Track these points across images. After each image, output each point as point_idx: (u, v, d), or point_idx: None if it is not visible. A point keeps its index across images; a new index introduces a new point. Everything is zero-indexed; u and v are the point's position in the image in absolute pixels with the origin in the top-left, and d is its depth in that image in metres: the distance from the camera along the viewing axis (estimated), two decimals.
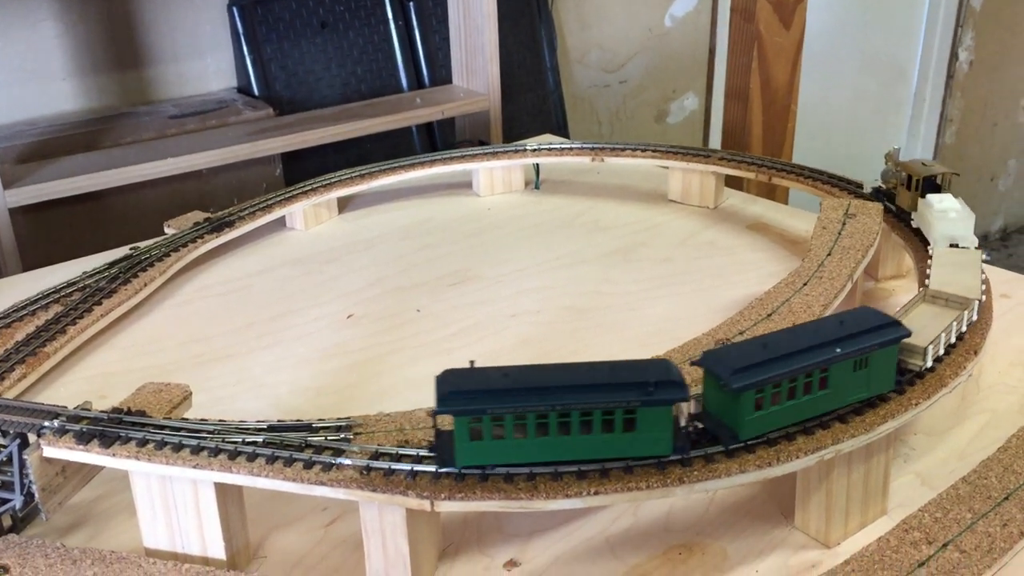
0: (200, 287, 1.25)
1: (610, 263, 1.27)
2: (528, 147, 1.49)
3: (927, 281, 0.87)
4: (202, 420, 0.75)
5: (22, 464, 0.74)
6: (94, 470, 0.79)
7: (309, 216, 1.41)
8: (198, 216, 1.34)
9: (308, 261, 1.31)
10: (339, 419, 0.75)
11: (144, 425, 0.74)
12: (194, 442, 0.71)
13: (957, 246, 0.99)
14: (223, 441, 0.71)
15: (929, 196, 1.06)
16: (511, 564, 0.76)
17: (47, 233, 2.00)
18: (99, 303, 1.11)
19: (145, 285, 1.17)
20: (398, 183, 1.47)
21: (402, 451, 0.70)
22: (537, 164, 1.52)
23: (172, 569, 0.72)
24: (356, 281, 1.24)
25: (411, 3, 2.76)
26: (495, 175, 1.50)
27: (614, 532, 0.79)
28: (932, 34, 3.72)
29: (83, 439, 0.72)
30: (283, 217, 1.40)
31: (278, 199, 1.38)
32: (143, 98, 2.49)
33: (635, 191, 1.51)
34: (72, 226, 2.15)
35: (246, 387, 1.00)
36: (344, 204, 1.48)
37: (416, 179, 1.49)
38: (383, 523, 0.69)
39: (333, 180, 1.43)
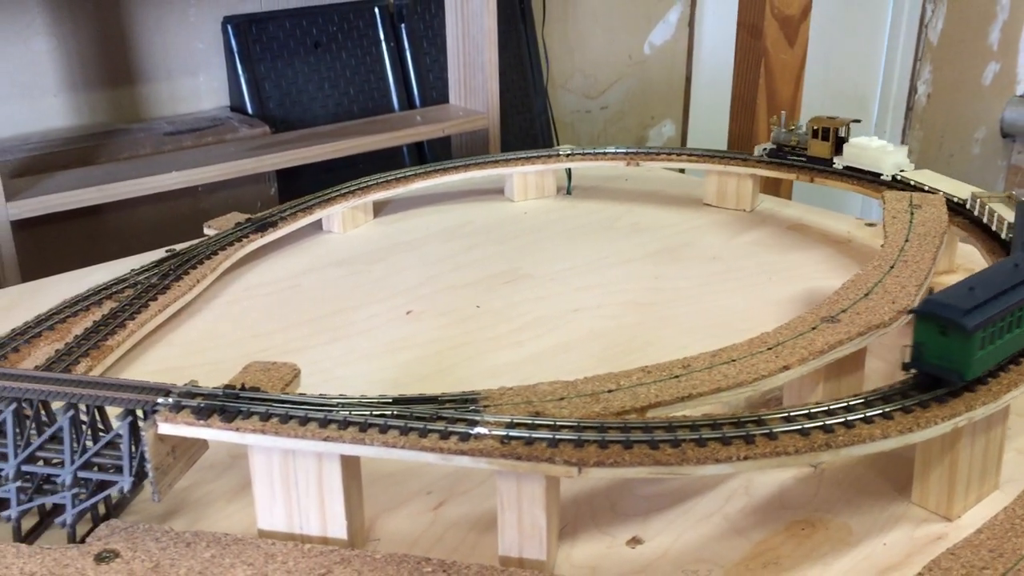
0: (246, 287, 1.22)
1: (658, 261, 1.27)
2: (562, 152, 1.50)
3: None
4: (321, 395, 0.73)
5: (135, 442, 0.72)
6: (199, 451, 0.76)
7: (347, 219, 1.39)
8: (238, 217, 1.31)
9: (353, 262, 1.29)
10: (463, 393, 0.74)
11: (264, 400, 0.71)
12: (320, 415, 0.69)
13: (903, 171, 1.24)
14: (351, 414, 0.69)
15: (859, 139, 1.29)
16: (635, 541, 0.75)
17: (40, 249, 1.95)
18: (154, 299, 1.08)
19: (197, 282, 1.14)
20: (433, 187, 1.46)
21: (538, 421, 0.68)
22: (569, 169, 1.52)
23: (293, 549, 0.70)
24: (406, 280, 1.23)
25: (402, 24, 2.76)
26: (529, 180, 1.50)
27: (731, 511, 0.78)
28: (892, 67, 3.81)
29: (203, 414, 0.70)
30: (319, 221, 1.38)
31: (317, 201, 1.36)
32: (135, 116, 2.46)
33: (667, 196, 1.52)
34: (67, 242, 2.10)
35: (320, 379, 0.98)
36: (379, 208, 1.46)
37: (450, 183, 1.48)
38: (520, 494, 0.68)
39: (370, 183, 1.42)
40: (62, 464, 0.74)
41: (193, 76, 2.54)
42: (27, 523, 0.75)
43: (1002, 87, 3.82)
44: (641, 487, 0.81)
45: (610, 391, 0.73)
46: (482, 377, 0.98)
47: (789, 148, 1.37)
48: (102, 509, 0.76)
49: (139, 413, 0.72)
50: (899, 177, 1.24)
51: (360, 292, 1.20)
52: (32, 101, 2.26)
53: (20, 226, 1.83)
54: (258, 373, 0.78)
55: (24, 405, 0.74)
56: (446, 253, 1.32)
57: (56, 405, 0.75)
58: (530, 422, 0.68)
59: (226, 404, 0.71)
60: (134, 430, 0.72)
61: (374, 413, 0.70)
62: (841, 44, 3.70)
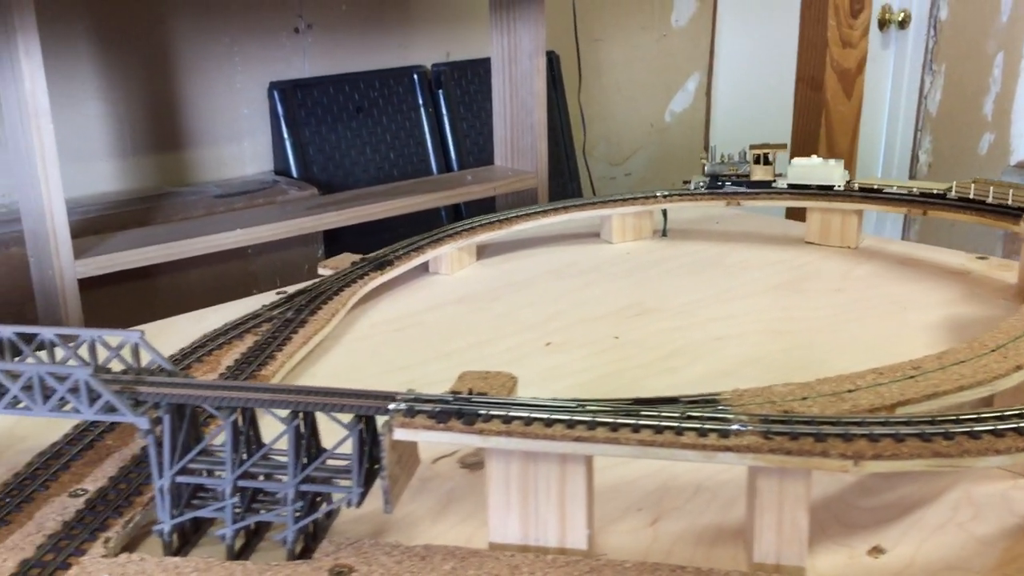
0: (371, 324, 1.19)
1: (781, 295, 1.26)
2: (658, 193, 1.49)
3: None
4: (554, 399, 0.70)
5: (367, 449, 0.68)
6: (415, 465, 0.73)
7: (454, 260, 1.37)
8: (352, 257, 1.30)
9: (471, 299, 1.27)
10: (700, 394, 0.71)
11: (502, 403, 0.69)
12: (566, 416, 0.67)
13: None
14: (595, 417, 0.67)
15: (799, 159, 1.42)
16: (876, 551, 0.72)
17: (95, 311, 1.92)
18: (295, 331, 1.06)
19: (332, 315, 1.11)
20: (535, 228, 1.45)
21: (795, 417, 0.66)
22: (665, 211, 1.52)
23: (535, 560, 0.67)
24: (533, 315, 1.21)
25: (440, 91, 2.80)
26: (627, 222, 1.49)
27: (963, 519, 0.75)
28: (893, 136, 3.89)
29: (441, 418, 0.67)
30: (426, 264, 1.36)
31: (426, 242, 1.35)
32: (180, 181, 2.46)
33: (764, 236, 1.51)
34: (120, 305, 2.08)
35: None
36: (480, 252, 1.45)
37: (548, 226, 1.47)
38: (782, 494, 0.65)
39: (474, 225, 1.41)
40: (267, 477, 0.71)
41: (238, 141, 2.55)
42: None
43: (997, 157, 3.89)
44: (860, 499, 0.78)
45: (850, 391, 0.71)
46: None
47: (726, 177, 1.46)
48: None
49: (375, 421, 0.69)
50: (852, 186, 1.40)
51: (490, 327, 1.18)
52: (83, 165, 2.26)
53: (80, 287, 1.80)
54: (477, 381, 0.75)
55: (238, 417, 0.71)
56: (563, 290, 1.30)
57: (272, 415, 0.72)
58: (787, 419, 0.66)
59: (463, 408, 0.68)
60: (363, 438, 0.68)
61: (620, 413, 0.67)
62: None
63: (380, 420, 0.68)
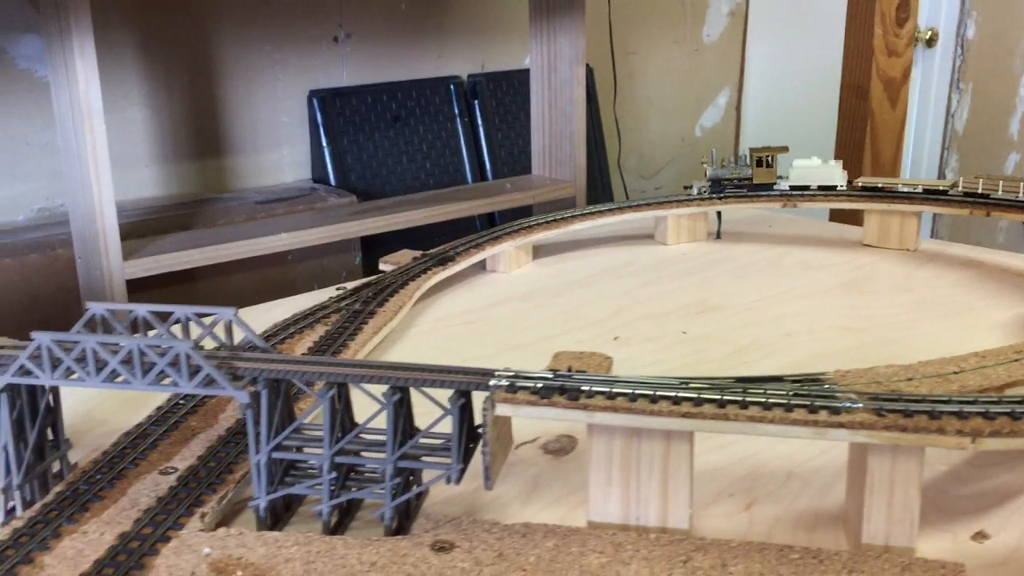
0: (435, 318, 1.19)
1: (846, 294, 1.25)
2: (711, 196, 1.49)
3: None
4: (655, 376, 0.69)
5: (466, 425, 0.68)
6: (510, 444, 0.72)
7: (511, 259, 1.37)
8: (412, 253, 1.29)
9: (533, 296, 1.27)
10: (804, 373, 0.71)
11: (602, 380, 0.68)
12: (670, 393, 0.66)
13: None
14: (700, 394, 0.66)
15: (799, 161, 1.43)
16: (980, 536, 0.71)
17: None
18: (365, 322, 1.05)
19: (400, 307, 1.11)
20: (590, 228, 1.45)
21: (905, 396, 0.65)
22: (719, 212, 1.51)
23: (638, 538, 0.66)
24: (596, 312, 1.20)
25: (476, 101, 2.81)
26: (682, 223, 1.49)
27: None
28: (920, 155, 3.88)
29: (545, 393, 0.66)
30: (483, 262, 1.36)
31: (485, 239, 1.35)
32: (220, 187, 2.46)
33: (820, 239, 1.50)
34: None
35: None
36: (535, 253, 1.44)
37: (602, 226, 1.47)
38: (894, 473, 0.64)
39: (531, 224, 1.40)
40: (356, 453, 0.70)
41: (277, 149, 2.56)
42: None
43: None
44: (956, 487, 0.77)
45: (955, 372, 0.70)
46: None
47: (728, 181, 1.46)
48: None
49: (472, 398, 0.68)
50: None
51: (555, 322, 1.17)
52: (126, 170, 2.27)
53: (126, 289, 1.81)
54: (572, 360, 0.74)
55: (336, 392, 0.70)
56: (623, 288, 1.29)
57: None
58: (897, 397, 0.65)
59: (565, 384, 0.67)
60: (463, 414, 0.68)
61: (726, 391, 0.66)
62: None
63: (480, 396, 0.67)
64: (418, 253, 1.29)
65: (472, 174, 2.79)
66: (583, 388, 0.66)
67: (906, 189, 1.40)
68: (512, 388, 0.67)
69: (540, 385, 0.67)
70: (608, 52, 3.06)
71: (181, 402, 0.86)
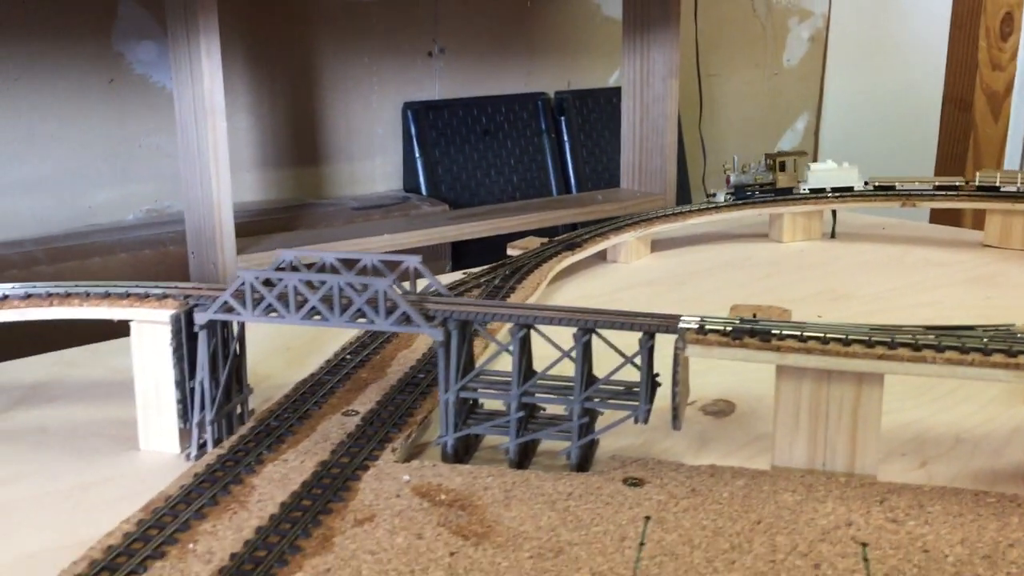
0: (565, 300, 1.21)
1: (978, 287, 1.24)
2: (830, 194, 1.49)
3: None
4: (840, 323, 0.70)
5: (654, 366, 0.69)
6: (688, 391, 0.73)
7: (632, 250, 1.38)
8: (540, 239, 1.32)
9: (658, 283, 1.28)
10: (992, 325, 0.71)
11: (792, 324, 0.69)
12: (864, 337, 0.67)
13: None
14: (893, 338, 0.67)
15: (816, 164, 1.48)
16: None
17: None
18: (507, 296, 1.08)
19: (538, 284, 1.13)
20: (707, 223, 1.46)
21: None
22: (834, 211, 1.51)
23: (829, 480, 0.66)
24: (723, 298, 1.19)
25: (562, 117, 2.84)
26: (797, 221, 1.49)
27: None
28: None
29: (736, 335, 0.67)
30: (603, 252, 1.38)
31: (608, 229, 1.37)
32: (316, 194, 2.51)
33: (936, 239, 1.50)
34: None
35: None
36: (653, 247, 1.46)
37: (719, 222, 1.48)
38: None
39: (651, 216, 1.42)
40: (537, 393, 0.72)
41: (371, 159, 2.61)
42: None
43: None
44: None
45: None
46: None
47: (752, 187, 1.48)
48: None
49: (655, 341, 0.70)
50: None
51: (684, 306, 1.16)
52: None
53: None
54: (751, 311, 0.76)
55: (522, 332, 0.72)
56: (746, 279, 1.30)
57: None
58: None
59: (755, 327, 0.68)
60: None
61: (917, 336, 0.67)
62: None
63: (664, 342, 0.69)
64: (545, 240, 1.31)
65: (557, 188, 2.82)
66: (774, 331, 0.68)
67: (926, 186, 1.44)
68: (702, 330, 0.68)
69: (730, 328, 0.68)
70: (689, 73, 3.08)
71: (348, 357, 0.89)
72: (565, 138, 2.84)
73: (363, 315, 0.71)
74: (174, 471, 0.69)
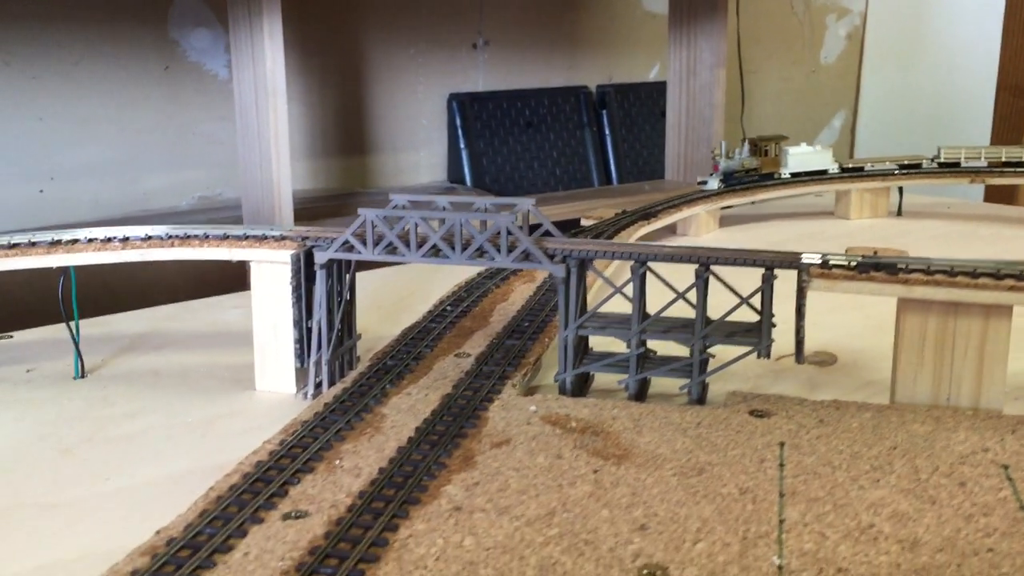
0: None
1: None
2: (895, 171, 1.49)
3: None
4: (965, 259, 0.70)
5: (775, 299, 0.69)
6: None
7: (702, 223, 1.39)
8: (612, 209, 1.33)
9: None
10: None
11: (917, 259, 0.69)
12: (992, 270, 0.67)
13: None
14: (1021, 271, 0.67)
15: (794, 148, 1.51)
16: None
17: None
18: None
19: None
20: (774, 198, 1.46)
21: None
22: (901, 188, 1.51)
23: (956, 413, 0.66)
24: None
25: (603, 111, 2.84)
26: (865, 198, 1.49)
27: None
28: None
29: (863, 269, 0.68)
30: (673, 227, 1.38)
31: (679, 202, 1.37)
32: (363, 184, 2.53)
33: (1004, 217, 1.50)
34: None
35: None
36: (720, 222, 1.46)
37: (786, 197, 1.48)
38: None
39: (721, 191, 1.42)
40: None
41: (416, 150, 2.62)
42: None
43: None
44: None
45: None
46: None
47: (741, 172, 1.47)
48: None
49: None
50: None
51: None
52: None
53: None
54: (868, 251, 0.76)
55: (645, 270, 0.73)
56: (826, 249, 1.30)
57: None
58: None
59: (880, 262, 0.68)
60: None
61: None
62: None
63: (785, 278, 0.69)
64: (618, 210, 1.32)
65: (599, 180, 2.82)
66: (899, 265, 0.68)
67: (893, 167, 1.47)
68: (826, 265, 0.69)
69: (855, 263, 0.68)
70: (730, 68, 3.09)
71: (448, 308, 0.89)
72: (606, 131, 2.84)
73: (484, 252, 0.72)
74: (293, 409, 0.70)
